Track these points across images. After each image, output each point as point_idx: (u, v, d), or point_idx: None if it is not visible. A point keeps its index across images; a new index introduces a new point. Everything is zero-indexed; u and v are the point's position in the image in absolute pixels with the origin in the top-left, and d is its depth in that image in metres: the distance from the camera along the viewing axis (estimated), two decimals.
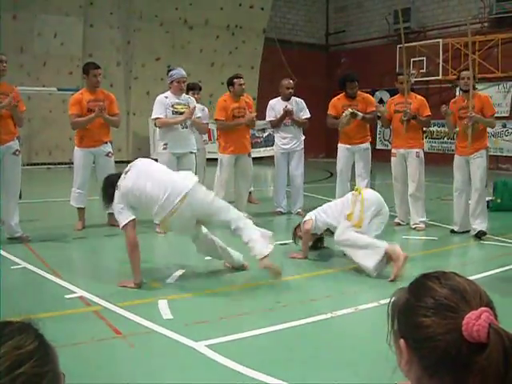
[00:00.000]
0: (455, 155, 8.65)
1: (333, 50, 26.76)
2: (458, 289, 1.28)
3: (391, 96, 10.31)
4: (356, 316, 4.96)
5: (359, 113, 9.42)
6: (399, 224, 9.23)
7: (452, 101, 8.82)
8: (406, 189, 9.22)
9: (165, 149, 8.76)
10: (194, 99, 9.24)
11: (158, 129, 9.03)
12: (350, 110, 9.37)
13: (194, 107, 8.97)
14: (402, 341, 1.31)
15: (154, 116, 8.87)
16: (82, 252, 7.87)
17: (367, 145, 9.81)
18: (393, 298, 1.40)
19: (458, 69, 19.95)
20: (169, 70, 9.28)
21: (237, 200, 9.72)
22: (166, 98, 8.85)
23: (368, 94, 10.10)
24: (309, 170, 10.99)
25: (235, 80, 9.69)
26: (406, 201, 9.22)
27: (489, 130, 9.20)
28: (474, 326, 1.19)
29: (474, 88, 8.63)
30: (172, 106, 8.76)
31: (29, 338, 1.18)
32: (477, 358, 1.18)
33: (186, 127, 8.85)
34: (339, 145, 9.89)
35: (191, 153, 8.96)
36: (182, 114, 8.77)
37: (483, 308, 1.22)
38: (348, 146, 9.75)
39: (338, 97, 9.91)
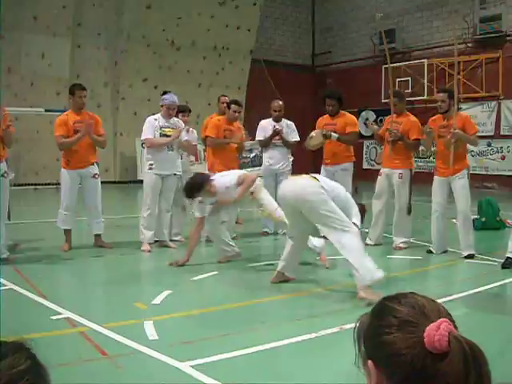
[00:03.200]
0: (435, 176, 8.65)
1: (319, 70, 26.93)
2: (417, 305, 1.34)
3: (377, 116, 10.39)
4: (340, 336, 4.98)
5: (333, 133, 9.39)
6: (367, 244, 9.17)
7: (431, 119, 8.81)
8: (384, 209, 9.27)
9: (150, 169, 8.84)
10: (182, 122, 9.29)
11: (145, 149, 9.08)
12: (320, 130, 9.40)
13: (182, 129, 9.03)
14: (369, 362, 1.35)
15: (143, 137, 8.97)
16: (69, 273, 7.86)
17: (345, 165, 9.72)
18: (357, 324, 1.45)
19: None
20: (164, 93, 9.37)
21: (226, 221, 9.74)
22: (156, 120, 8.94)
23: (351, 115, 10.09)
24: None
25: (232, 105, 9.75)
26: (382, 222, 9.27)
27: (474, 148, 9.27)
28: (434, 336, 1.25)
29: (458, 108, 8.70)
30: (161, 128, 8.85)
31: (22, 358, 1.21)
32: (439, 366, 1.23)
33: (173, 150, 8.92)
34: (322, 166, 9.89)
35: (175, 175, 9.03)
36: (169, 136, 8.85)
37: (442, 319, 1.28)
38: (326, 168, 9.74)
39: (323, 116, 9.96)
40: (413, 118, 9.39)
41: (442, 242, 8.59)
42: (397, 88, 20.71)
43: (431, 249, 8.67)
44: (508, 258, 7.56)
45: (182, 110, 9.95)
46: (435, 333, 1.25)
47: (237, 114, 9.73)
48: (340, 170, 9.71)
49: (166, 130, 8.90)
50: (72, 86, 9.22)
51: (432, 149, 8.70)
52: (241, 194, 7.55)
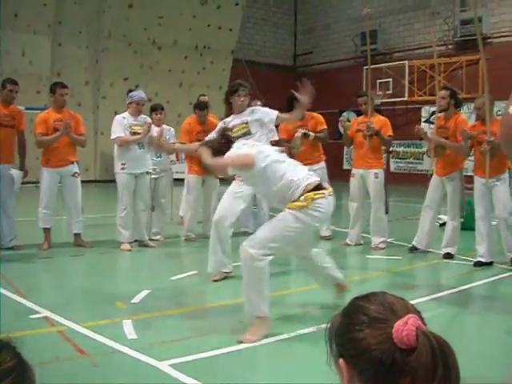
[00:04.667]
0: (433, 175, 8.66)
1: (300, 71, 26.97)
2: (386, 303, 1.37)
3: (358, 117, 10.41)
4: (317, 335, 4.99)
5: (311, 133, 9.44)
6: (348, 244, 9.29)
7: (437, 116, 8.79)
8: (361, 210, 9.33)
9: (123, 169, 8.81)
10: (149, 119, 9.23)
11: (115, 149, 9.02)
12: (301, 130, 9.40)
13: (150, 124, 8.97)
14: (341, 360, 1.37)
15: (113, 136, 8.91)
16: (48, 272, 7.84)
17: (321, 164, 9.78)
18: (328, 324, 1.47)
19: (424, 90, 20.30)
20: (130, 91, 9.29)
21: (205, 221, 9.76)
22: (124, 118, 8.92)
23: (317, 114, 10.12)
24: None
25: (196, 110, 9.77)
26: (360, 222, 9.33)
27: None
28: (402, 331, 1.27)
29: (459, 107, 8.68)
30: (130, 126, 8.82)
31: (8, 356, 1.21)
32: (407, 360, 1.25)
33: (143, 147, 8.90)
34: None
35: (147, 173, 9.02)
36: (138, 134, 8.82)
37: (409, 315, 1.30)
38: None
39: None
40: (382, 116, 9.48)
41: (427, 239, 8.62)
42: (377, 89, 20.89)
43: (415, 244, 8.71)
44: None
45: (155, 109, 9.92)
46: (403, 328, 1.28)
47: (202, 118, 9.76)
48: (316, 169, 9.75)
49: (136, 127, 8.87)
50: (53, 84, 9.19)
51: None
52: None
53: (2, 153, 8.33)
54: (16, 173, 8.72)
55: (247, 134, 7.01)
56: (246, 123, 7.06)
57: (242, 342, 4.72)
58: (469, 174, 8.57)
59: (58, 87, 8.86)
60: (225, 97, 7.35)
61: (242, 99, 7.13)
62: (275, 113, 7.27)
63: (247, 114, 7.11)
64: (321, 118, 10.02)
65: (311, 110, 9.86)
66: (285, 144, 9.81)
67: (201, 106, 9.83)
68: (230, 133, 7.01)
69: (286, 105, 9.90)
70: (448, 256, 8.28)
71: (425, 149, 8.85)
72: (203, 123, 9.66)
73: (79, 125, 9.00)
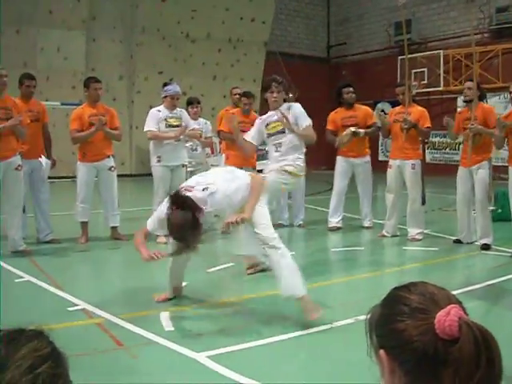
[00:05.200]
0: (459, 167, 8.61)
1: (334, 62, 26.85)
2: (427, 293, 1.35)
3: (393, 107, 10.34)
4: (355, 327, 4.98)
5: (361, 131, 9.44)
6: (384, 236, 9.24)
7: (458, 111, 8.81)
8: (398, 201, 9.27)
9: (159, 161, 8.86)
10: (185, 112, 9.27)
11: (151, 143, 9.07)
12: (351, 129, 9.39)
13: (185, 128, 8.97)
14: (381, 351, 1.36)
15: (146, 129, 8.95)
16: (86, 265, 7.92)
17: (367, 158, 9.86)
18: (368, 315, 1.46)
19: (459, 79, 20.08)
20: (165, 84, 9.31)
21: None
22: (159, 111, 8.95)
23: (366, 106, 10.12)
24: (310, 182, 11.05)
25: (242, 98, 9.74)
26: (396, 214, 9.27)
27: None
28: (445, 322, 1.25)
29: (484, 100, 8.64)
30: (165, 119, 8.85)
31: (44, 343, 1.25)
32: (450, 351, 1.23)
33: (179, 140, 8.92)
34: (338, 157, 9.96)
35: (183, 166, 9.05)
36: (174, 126, 8.86)
37: (451, 305, 1.28)
38: (346, 159, 9.81)
39: (336, 110, 9.97)
40: (420, 107, 9.38)
41: (469, 231, 8.54)
42: (412, 79, 20.69)
43: (459, 238, 8.63)
44: None
45: (191, 102, 9.94)
46: (445, 318, 1.26)
47: (247, 107, 9.70)
48: (363, 163, 9.78)
49: (171, 120, 8.90)
50: (87, 79, 9.27)
51: (458, 139, 8.62)
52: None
53: (31, 147, 8.41)
54: (45, 161, 8.80)
55: (281, 132, 7.00)
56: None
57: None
58: (506, 164, 8.43)
59: (91, 82, 8.92)
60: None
61: (275, 96, 6.99)
62: (308, 122, 7.14)
63: (285, 111, 7.00)
64: (370, 111, 10.05)
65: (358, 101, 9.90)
66: (331, 135, 9.82)
67: (247, 94, 9.82)
68: (265, 130, 7.02)
69: (334, 96, 9.95)
70: (485, 247, 8.20)
71: (461, 139, 8.74)
72: (247, 115, 9.64)
73: (114, 119, 9.06)
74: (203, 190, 5.02)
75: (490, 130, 8.10)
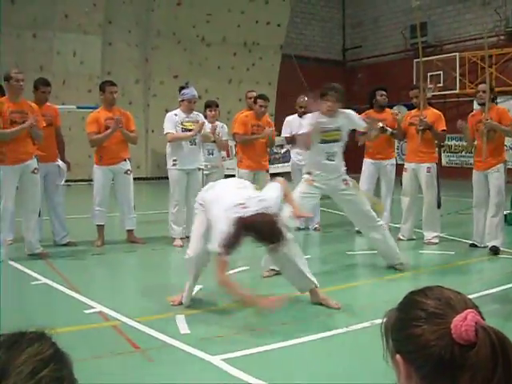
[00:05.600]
0: (474, 170, 8.53)
1: (350, 65, 26.83)
2: (443, 298, 1.35)
3: (408, 110, 10.32)
4: (371, 330, 4.97)
5: (388, 128, 9.41)
6: (400, 239, 9.16)
7: (470, 114, 8.74)
8: (414, 205, 9.22)
9: (174, 165, 8.90)
10: (202, 115, 9.31)
11: (167, 146, 9.10)
12: (380, 124, 9.36)
13: (203, 123, 9.05)
14: (397, 356, 1.36)
15: (165, 131, 8.99)
16: (102, 268, 7.96)
17: (393, 160, 9.85)
18: (384, 319, 1.45)
19: (476, 82, 19.98)
20: (181, 88, 9.33)
21: None
22: (176, 115, 8.98)
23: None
24: None
25: (258, 100, 9.75)
26: (412, 217, 9.23)
27: (506, 142, 9.09)
28: (461, 327, 1.25)
29: (495, 101, 8.59)
30: (181, 123, 8.88)
31: (46, 345, 1.24)
32: (467, 356, 1.23)
33: (195, 144, 8.95)
34: (364, 159, 9.93)
35: (199, 169, 9.07)
36: (190, 130, 8.90)
37: (468, 310, 1.28)
38: (373, 161, 9.79)
39: (366, 112, 9.93)
40: (435, 110, 9.33)
41: (483, 236, 8.48)
42: (428, 82, 20.63)
43: (475, 242, 8.57)
44: None
45: (209, 105, 9.97)
46: (462, 323, 1.26)
47: (263, 109, 9.70)
48: (388, 165, 9.76)
49: (187, 124, 8.93)
50: (102, 82, 9.32)
51: (474, 143, 8.54)
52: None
53: (45, 152, 8.46)
54: (61, 164, 8.86)
55: (337, 140, 7.02)
56: (339, 130, 7.02)
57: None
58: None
59: (107, 85, 8.97)
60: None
61: (330, 105, 6.91)
62: (362, 125, 7.34)
63: (341, 121, 7.00)
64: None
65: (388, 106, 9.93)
66: (358, 136, 9.82)
67: (263, 97, 9.86)
68: (319, 135, 6.96)
69: (368, 99, 9.97)
70: (494, 249, 8.09)
71: (475, 142, 8.68)
72: (260, 118, 9.68)
73: (130, 122, 9.09)
74: (258, 201, 5.10)
75: (505, 128, 8.04)
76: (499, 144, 8.30)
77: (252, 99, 10.09)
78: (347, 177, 7.03)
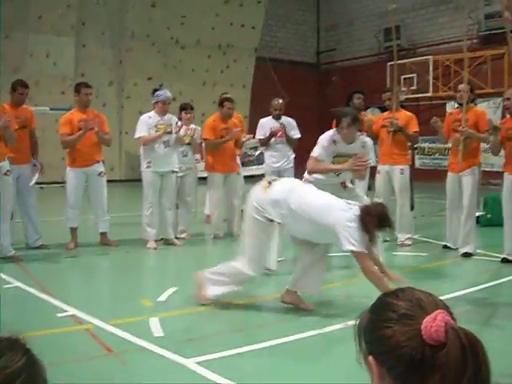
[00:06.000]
0: (448, 172, 8.52)
1: (324, 68, 26.94)
2: (414, 299, 1.36)
3: (382, 113, 10.36)
4: (345, 332, 4.98)
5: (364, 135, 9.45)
6: None
7: (448, 112, 8.74)
8: (388, 207, 9.25)
9: (148, 167, 8.87)
10: (175, 117, 9.30)
11: (141, 148, 9.08)
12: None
13: (181, 126, 9.07)
14: (370, 357, 1.37)
15: (137, 135, 8.98)
16: (75, 271, 7.89)
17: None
18: (357, 321, 1.46)
19: (448, 85, 20.17)
20: (154, 90, 9.31)
21: (229, 219, 9.81)
22: (150, 117, 8.97)
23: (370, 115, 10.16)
24: None
25: (225, 103, 9.78)
26: None
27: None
28: (431, 327, 1.26)
29: (474, 102, 8.61)
30: (155, 125, 8.86)
31: (17, 355, 1.20)
32: (437, 356, 1.24)
33: (169, 146, 8.94)
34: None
35: (173, 172, 9.05)
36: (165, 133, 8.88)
37: (438, 310, 1.29)
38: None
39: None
40: (408, 112, 9.39)
41: (456, 238, 8.52)
42: (402, 85, 20.76)
43: (448, 244, 8.62)
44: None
45: (184, 108, 9.96)
46: (432, 324, 1.26)
47: (231, 111, 9.77)
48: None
49: (161, 126, 8.91)
50: (77, 84, 9.25)
51: (449, 141, 8.56)
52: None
53: (18, 153, 8.39)
54: (37, 163, 8.79)
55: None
56: (350, 157, 6.66)
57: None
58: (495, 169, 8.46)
59: (82, 87, 8.92)
60: (343, 120, 6.62)
61: (352, 133, 6.66)
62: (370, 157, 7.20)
63: (358, 148, 6.76)
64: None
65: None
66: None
67: (230, 99, 9.87)
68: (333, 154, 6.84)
69: (345, 102, 9.98)
70: (466, 255, 8.14)
71: (450, 144, 8.71)
72: (227, 120, 9.71)
73: (104, 124, 9.04)
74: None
75: (481, 135, 8.07)
76: (475, 147, 8.28)
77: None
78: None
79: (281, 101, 10.27)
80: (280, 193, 5.40)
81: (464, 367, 1.23)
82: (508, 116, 7.89)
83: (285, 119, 10.25)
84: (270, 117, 10.28)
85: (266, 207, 5.35)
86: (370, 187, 9.40)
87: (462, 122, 7.90)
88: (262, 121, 10.38)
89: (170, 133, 8.98)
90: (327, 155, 6.68)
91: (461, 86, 8.38)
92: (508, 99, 7.74)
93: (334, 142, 6.67)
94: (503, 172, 7.84)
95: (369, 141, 7.21)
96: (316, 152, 6.71)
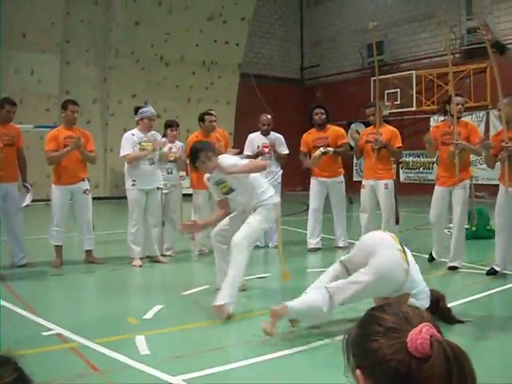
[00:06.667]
0: (436, 186, 8.39)
1: (308, 83, 27.07)
2: (400, 312, 1.37)
3: (366, 128, 10.42)
4: (333, 347, 4.97)
5: (330, 149, 9.51)
6: None
7: (435, 125, 8.70)
8: (372, 221, 9.30)
9: (134, 185, 8.83)
10: (159, 134, 9.29)
11: (125, 166, 9.06)
12: (321, 150, 9.47)
13: (165, 142, 9.09)
14: (357, 371, 1.37)
15: (122, 153, 8.92)
16: (60, 289, 7.85)
17: (340, 178, 9.90)
18: (345, 335, 1.47)
19: (432, 99, 20.31)
20: (137, 108, 9.29)
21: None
22: (133, 135, 8.94)
23: (339, 127, 10.17)
24: (286, 203, 11.07)
25: (206, 116, 9.82)
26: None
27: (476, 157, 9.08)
28: (417, 340, 1.27)
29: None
30: (139, 143, 8.84)
31: (8, 371, 1.21)
32: (422, 369, 1.25)
33: (154, 163, 8.92)
34: (311, 178, 10.01)
35: (158, 188, 9.04)
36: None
37: (424, 324, 1.30)
38: (320, 179, 9.86)
39: (309, 131, 10.04)
40: (391, 127, 9.45)
41: (443, 250, 8.52)
42: (385, 100, 20.90)
43: (434, 257, 8.62)
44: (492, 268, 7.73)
45: (170, 125, 9.97)
46: (417, 337, 1.27)
47: (213, 123, 9.86)
48: (336, 183, 9.82)
49: (145, 144, 8.90)
50: (65, 101, 9.23)
51: (436, 155, 8.58)
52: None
53: (5, 172, 8.36)
54: (29, 186, 8.77)
55: None
56: None
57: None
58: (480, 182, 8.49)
59: (69, 104, 8.91)
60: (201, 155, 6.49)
61: (213, 163, 6.51)
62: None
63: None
64: (342, 131, 10.08)
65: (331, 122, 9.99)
66: (303, 156, 9.89)
67: (209, 112, 9.93)
68: None
69: (308, 118, 10.01)
70: (453, 268, 8.14)
71: (435, 159, 8.73)
72: (209, 135, 9.73)
73: (89, 142, 9.03)
74: None
75: (475, 148, 7.97)
76: (466, 161, 8.20)
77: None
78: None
79: (269, 116, 10.32)
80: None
81: (449, 379, 1.24)
82: (501, 128, 7.86)
83: (273, 135, 10.30)
84: (259, 132, 10.32)
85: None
86: (352, 200, 9.45)
87: (455, 135, 7.79)
88: (251, 136, 10.40)
89: (155, 150, 8.97)
90: (215, 192, 6.81)
91: (457, 99, 8.14)
92: (458, 104, 7.90)
93: (208, 179, 6.72)
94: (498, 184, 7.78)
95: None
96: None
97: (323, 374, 4.40)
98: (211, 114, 9.91)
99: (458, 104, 8.05)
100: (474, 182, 18.27)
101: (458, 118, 8.00)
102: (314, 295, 5.22)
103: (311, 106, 10.37)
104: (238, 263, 6.03)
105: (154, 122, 9.12)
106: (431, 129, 8.62)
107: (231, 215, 6.74)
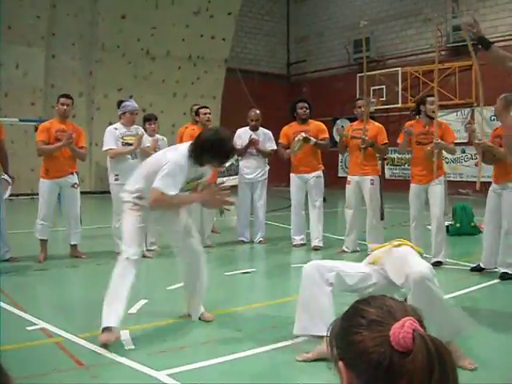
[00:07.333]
0: (411, 184, 8.50)
1: (294, 79, 27.07)
2: (384, 306, 1.38)
3: (352, 123, 10.43)
4: (315, 343, 4.99)
5: (312, 138, 9.47)
6: (344, 251, 9.29)
7: (409, 123, 8.67)
8: (357, 217, 9.33)
9: (116, 179, 8.79)
10: (142, 129, 9.27)
11: (108, 161, 9.03)
12: (302, 134, 9.41)
13: (142, 134, 9.02)
14: (340, 363, 1.39)
15: (105, 148, 8.92)
16: (44, 283, 7.82)
17: (319, 173, 9.83)
18: (330, 327, 1.48)
19: (417, 96, 20.36)
20: (120, 102, 9.26)
21: (200, 229, 9.77)
22: (116, 129, 8.92)
23: (320, 122, 10.16)
24: (271, 199, 11.10)
25: (201, 110, 9.80)
26: (356, 229, 9.33)
27: (448, 155, 9.20)
28: (399, 334, 1.28)
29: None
30: (122, 137, 8.83)
31: None
32: (404, 363, 1.26)
33: (136, 158, 8.89)
34: (291, 174, 9.98)
35: None
36: (131, 144, 8.83)
37: (407, 317, 1.31)
38: (298, 175, 9.83)
39: (290, 124, 10.00)
40: (377, 124, 9.50)
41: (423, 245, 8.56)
42: (371, 96, 20.95)
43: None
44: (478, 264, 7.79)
45: (148, 119, 9.96)
46: (400, 330, 1.29)
47: (208, 116, 9.84)
48: (315, 177, 9.77)
49: (128, 138, 8.87)
50: (60, 95, 9.18)
51: (409, 150, 8.65)
52: None
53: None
54: (7, 178, 8.70)
55: None
56: None
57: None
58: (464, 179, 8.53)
59: (61, 97, 8.90)
60: None
61: None
62: None
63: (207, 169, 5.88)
64: (323, 126, 10.05)
65: (312, 117, 9.97)
66: (282, 149, 9.87)
67: (205, 106, 9.92)
68: None
69: (289, 112, 10.00)
70: (437, 264, 8.18)
71: (410, 155, 8.77)
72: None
73: (81, 138, 9.00)
74: None
75: (452, 147, 8.23)
76: (441, 158, 8.41)
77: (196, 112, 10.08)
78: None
79: (258, 111, 10.33)
80: None
81: (430, 373, 1.25)
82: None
83: (262, 130, 10.31)
84: (247, 128, 10.32)
85: None
86: (325, 199, 9.45)
87: (436, 135, 7.90)
88: (240, 131, 10.39)
89: (140, 144, 8.94)
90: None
91: (430, 99, 8.27)
92: (432, 104, 8.07)
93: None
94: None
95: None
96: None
97: (305, 369, 4.42)
98: (205, 107, 9.91)
99: (431, 104, 8.21)
100: (459, 178, 18.50)
101: (433, 118, 8.14)
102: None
103: (295, 99, 10.38)
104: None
105: (137, 116, 9.09)
106: (406, 125, 8.49)
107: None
